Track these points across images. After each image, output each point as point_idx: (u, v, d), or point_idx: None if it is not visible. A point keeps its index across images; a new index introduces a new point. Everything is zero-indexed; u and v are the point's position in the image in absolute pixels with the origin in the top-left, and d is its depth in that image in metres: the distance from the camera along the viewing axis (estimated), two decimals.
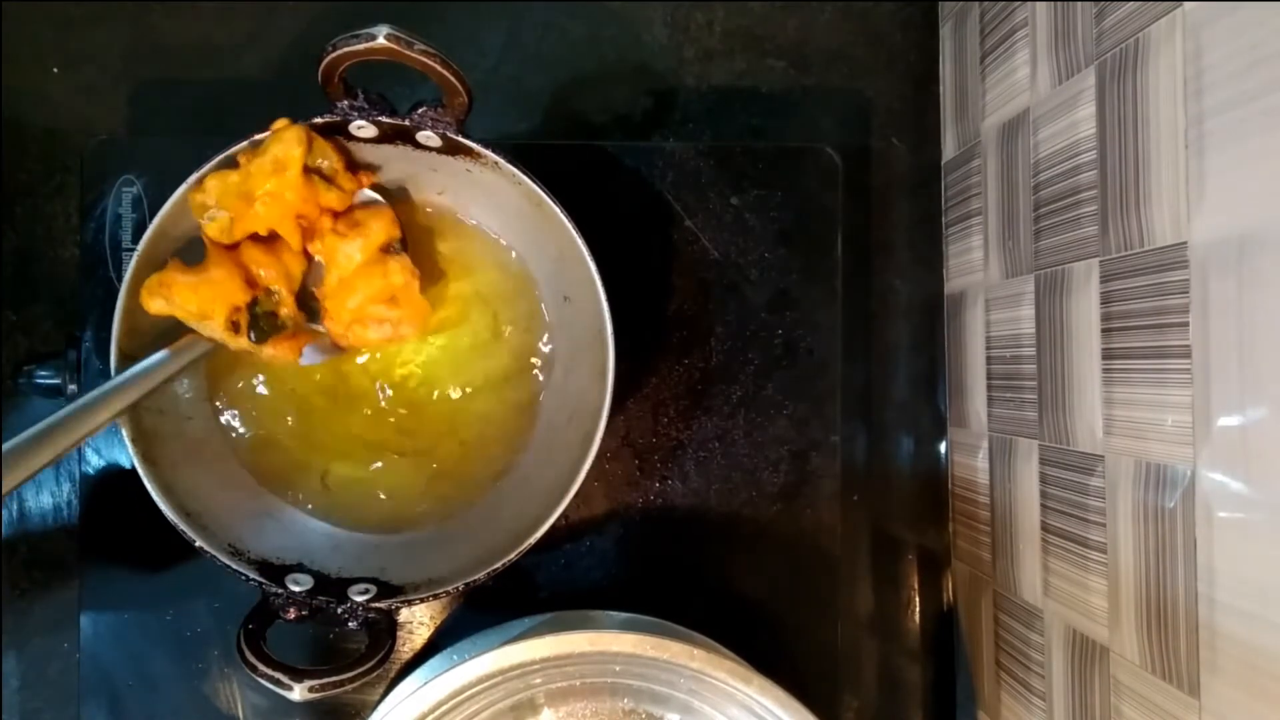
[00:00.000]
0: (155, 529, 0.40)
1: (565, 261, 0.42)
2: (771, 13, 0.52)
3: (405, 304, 0.41)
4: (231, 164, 0.39)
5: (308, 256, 0.41)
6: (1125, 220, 0.35)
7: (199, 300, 0.38)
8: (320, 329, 0.42)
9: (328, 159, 0.40)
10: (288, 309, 0.40)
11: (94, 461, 0.48)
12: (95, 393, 0.36)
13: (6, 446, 0.33)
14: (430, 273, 0.45)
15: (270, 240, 0.40)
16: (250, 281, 0.40)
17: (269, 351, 0.40)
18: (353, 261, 0.41)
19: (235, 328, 0.39)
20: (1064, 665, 0.40)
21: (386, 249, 0.41)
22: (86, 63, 0.50)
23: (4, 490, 0.32)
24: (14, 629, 0.49)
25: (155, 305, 0.39)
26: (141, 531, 0.48)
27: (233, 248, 0.40)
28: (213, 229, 0.39)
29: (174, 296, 0.38)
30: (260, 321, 0.40)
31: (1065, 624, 0.40)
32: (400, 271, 0.41)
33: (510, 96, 0.51)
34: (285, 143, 0.38)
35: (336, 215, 0.41)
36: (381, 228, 0.41)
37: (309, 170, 0.40)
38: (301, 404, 0.45)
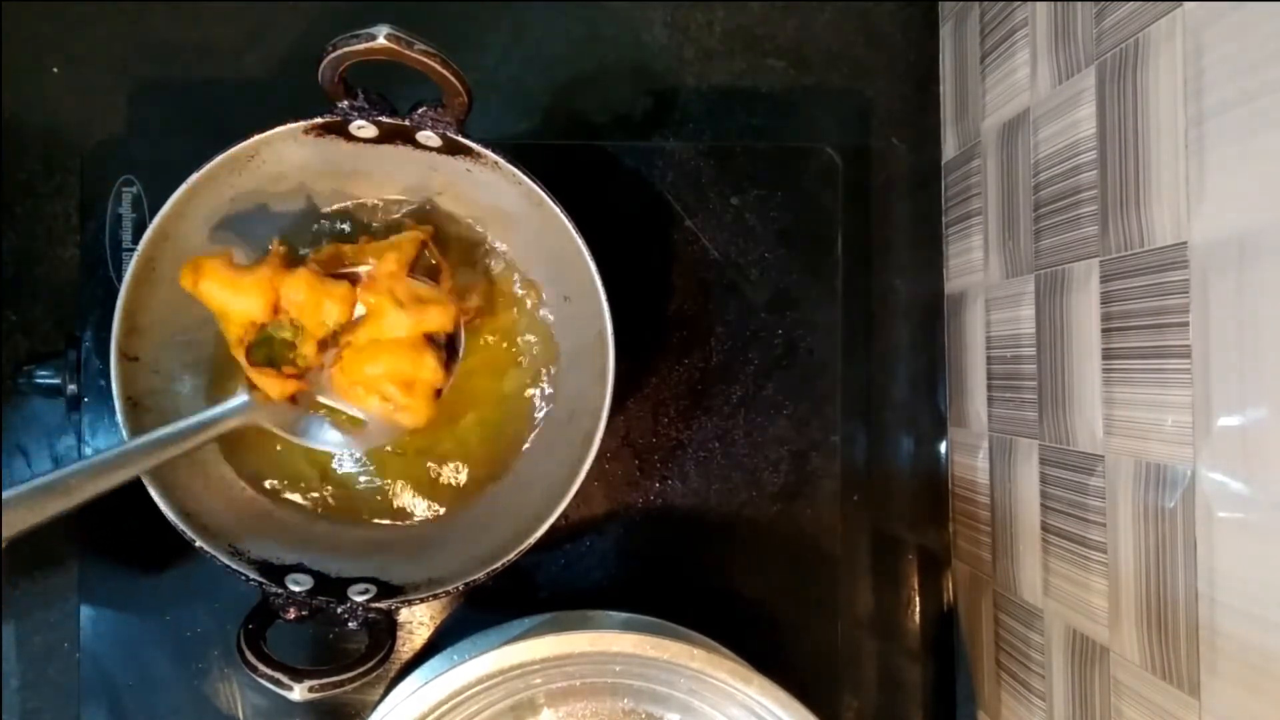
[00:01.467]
0: (155, 529, 0.40)
1: (565, 261, 0.42)
2: (771, 13, 0.52)
3: (417, 397, 0.41)
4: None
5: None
6: (1125, 220, 0.35)
7: (221, 299, 0.39)
8: (321, 380, 0.41)
9: (432, 265, 0.42)
10: (307, 352, 0.40)
11: None
12: (112, 452, 0.36)
13: (9, 495, 0.32)
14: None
15: (328, 276, 0.40)
16: (278, 308, 0.40)
17: (258, 379, 0.40)
18: (393, 332, 0.40)
19: (242, 342, 0.39)
20: (1064, 665, 0.40)
21: (431, 339, 0.41)
22: (86, 63, 0.50)
23: (4, 537, 0.31)
24: (14, 629, 0.49)
25: (185, 281, 0.39)
26: (141, 531, 0.48)
27: (292, 264, 0.40)
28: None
29: (202, 283, 0.39)
30: (272, 347, 0.40)
31: (1065, 624, 0.40)
32: (432, 370, 0.40)
33: (510, 96, 0.51)
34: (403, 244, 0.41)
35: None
36: (440, 319, 0.41)
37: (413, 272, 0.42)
38: None
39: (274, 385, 0.40)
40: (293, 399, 0.41)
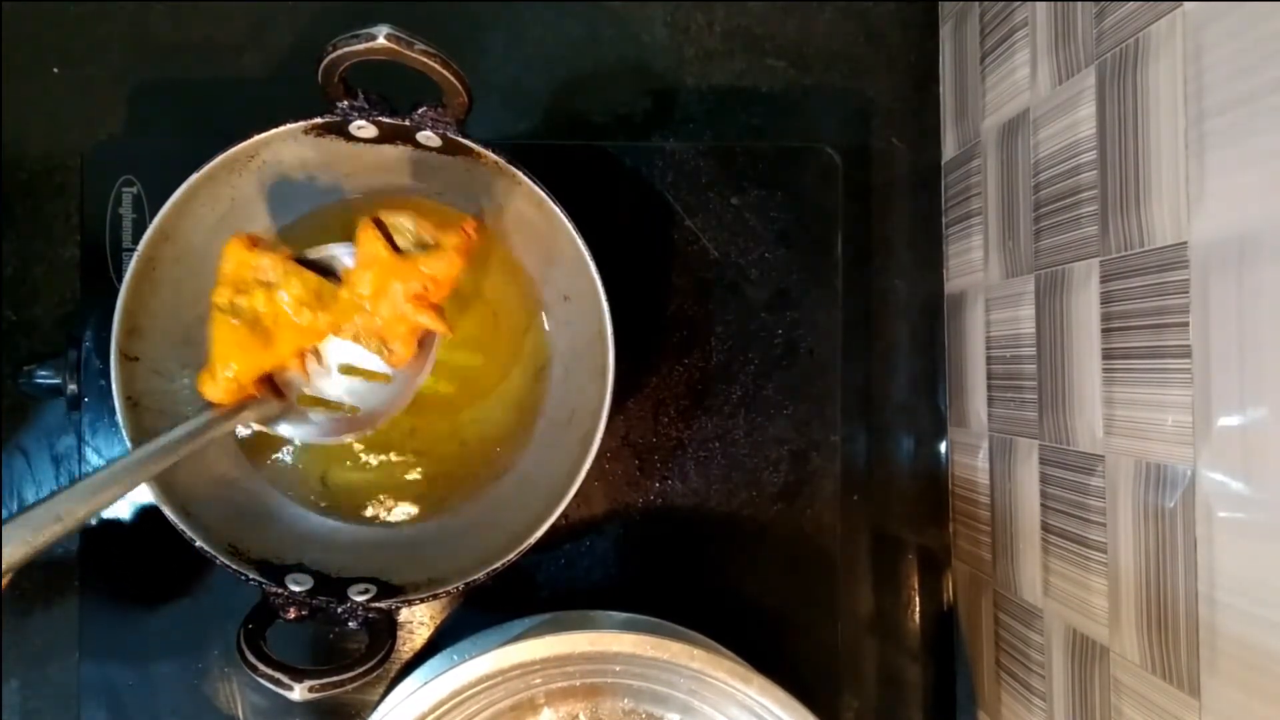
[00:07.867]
0: (155, 529, 0.40)
1: (565, 261, 0.42)
2: (771, 13, 0.52)
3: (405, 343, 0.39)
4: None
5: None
6: (1125, 220, 0.35)
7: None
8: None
9: (409, 227, 0.38)
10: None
11: (94, 462, 0.48)
12: (105, 471, 0.33)
13: (8, 527, 0.30)
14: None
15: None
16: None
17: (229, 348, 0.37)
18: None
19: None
20: (1064, 665, 0.40)
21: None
22: (86, 63, 0.50)
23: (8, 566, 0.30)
24: (14, 629, 0.49)
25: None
26: (141, 531, 0.48)
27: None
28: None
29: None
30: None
31: (1065, 624, 0.40)
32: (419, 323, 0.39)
33: (510, 96, 0.51)
34: (367, 242, 0.37)
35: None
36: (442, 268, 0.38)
37: (399, 251, 0.38)
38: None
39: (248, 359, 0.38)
40: (278, 391, 0.39)
